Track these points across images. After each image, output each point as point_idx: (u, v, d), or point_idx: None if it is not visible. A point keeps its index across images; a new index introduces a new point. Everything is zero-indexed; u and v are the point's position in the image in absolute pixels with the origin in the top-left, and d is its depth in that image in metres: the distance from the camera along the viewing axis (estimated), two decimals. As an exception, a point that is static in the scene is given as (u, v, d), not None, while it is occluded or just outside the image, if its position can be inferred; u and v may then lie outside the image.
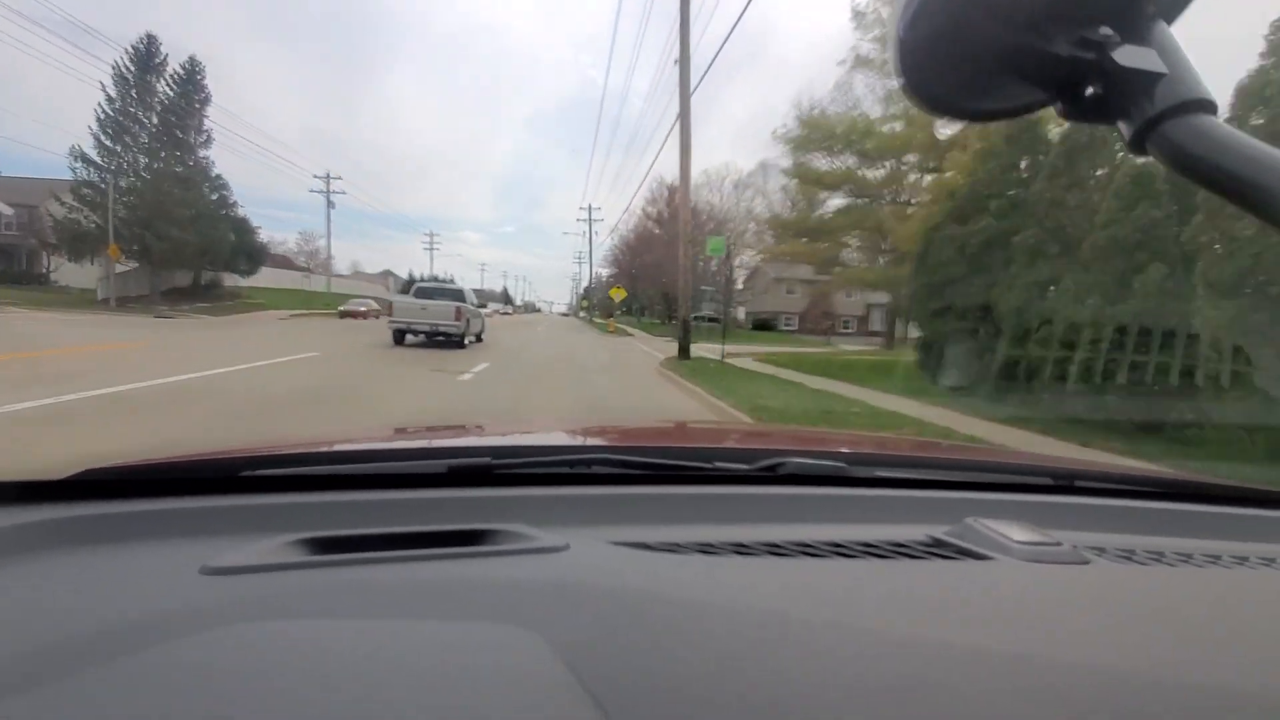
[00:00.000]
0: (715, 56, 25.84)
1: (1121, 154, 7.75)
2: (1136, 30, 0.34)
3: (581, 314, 72.24)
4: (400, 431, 1.32)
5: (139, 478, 0.75)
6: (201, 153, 28.71)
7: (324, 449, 0.95)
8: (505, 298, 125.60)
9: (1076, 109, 0.36)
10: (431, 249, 73.03)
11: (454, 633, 0.47)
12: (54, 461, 0.72)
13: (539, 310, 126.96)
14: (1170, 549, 0.72)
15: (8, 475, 0.69)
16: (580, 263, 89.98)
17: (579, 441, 1.13)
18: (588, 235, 54.12)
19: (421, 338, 13.37)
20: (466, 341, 13.84)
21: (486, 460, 0.87)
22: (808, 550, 0.65)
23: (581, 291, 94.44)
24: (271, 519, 0.68)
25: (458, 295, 14.28)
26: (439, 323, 13.08)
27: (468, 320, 13.62)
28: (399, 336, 13.35)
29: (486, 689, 0.40)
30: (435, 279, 20.79)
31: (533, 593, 0.53)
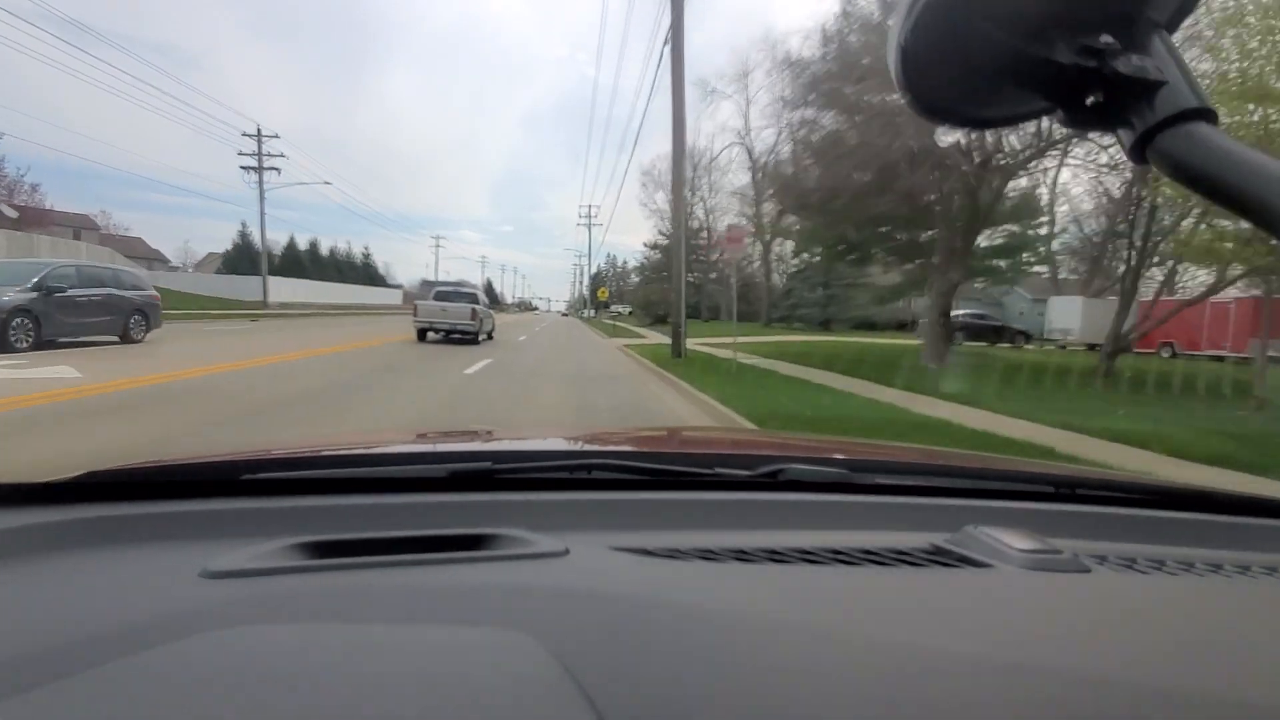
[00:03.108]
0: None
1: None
2: (1137, 39, 0.33)
3: (586, 312, 53.33)
4: (402, 435, 1.32)
5: (140, 480, 0.75)
6: None
7: (324, 453, 0.95)
8: (490, 294, 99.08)
9: (1077, 117, 0.36)
10: (259, 175, 32.80)
11: (453, 637, 0.47)
12: (59, 463, 0.73)
13: (535, 309, 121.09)
14: (1172, 558, 0.71)
15: (9, 477, 0.69)
16: (588, 223, 53.31)
17: (579, 447, 1.13)
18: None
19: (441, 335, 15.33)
20: (480, 339, 15.86)
21: (487, 465, 0.87)
22: (808, 557, 0.65)
23: (593, 275, 64.10)
24: (272, 522, 0.68)
25: (472, 298, 16.33)
26: (457, 322, 15.07)
27: (481, 320, 15.68)
28: (421, 334, 15.36)
29: (485, 694, 0.40)
30: (452, 283, 20.72)
31: (532, 598, 0.53)
